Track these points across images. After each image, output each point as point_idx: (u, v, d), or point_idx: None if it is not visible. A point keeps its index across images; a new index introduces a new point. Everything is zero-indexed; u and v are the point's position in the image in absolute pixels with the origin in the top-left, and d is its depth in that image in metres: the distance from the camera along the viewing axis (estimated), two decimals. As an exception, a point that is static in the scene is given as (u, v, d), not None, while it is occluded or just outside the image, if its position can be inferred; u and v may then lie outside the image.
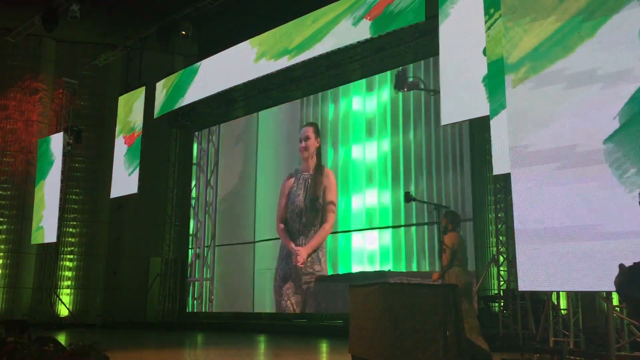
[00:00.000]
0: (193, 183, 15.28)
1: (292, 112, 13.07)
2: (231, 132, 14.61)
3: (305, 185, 12.07)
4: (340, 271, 11.39)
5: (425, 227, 10.27)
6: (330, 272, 11.51)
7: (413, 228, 10.40)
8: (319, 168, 12.06)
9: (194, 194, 15.07)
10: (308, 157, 12.14)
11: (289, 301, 11.82)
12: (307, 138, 12.25)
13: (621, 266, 2.38)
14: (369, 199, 11.26)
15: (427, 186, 10.41)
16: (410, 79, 10.78)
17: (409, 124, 10.92)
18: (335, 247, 11.61)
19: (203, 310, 14.36)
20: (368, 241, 11.18)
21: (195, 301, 14.53)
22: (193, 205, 15.02)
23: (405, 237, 10.55)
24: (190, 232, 15.08)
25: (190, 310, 14.58)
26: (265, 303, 12.65)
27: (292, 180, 12.36)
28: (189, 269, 14.77)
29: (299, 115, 12.87)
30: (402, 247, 10.56)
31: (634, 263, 2.36)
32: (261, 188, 13.41)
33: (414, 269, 10.27)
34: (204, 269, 14.42)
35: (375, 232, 11.06)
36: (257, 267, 13.05)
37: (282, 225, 12.30)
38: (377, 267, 10.80)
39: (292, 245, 11.93)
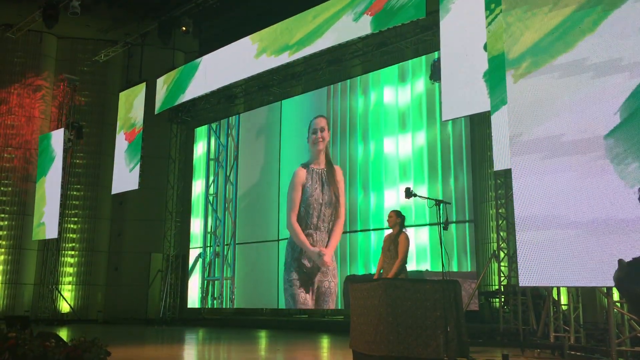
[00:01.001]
0: (195, 179, 15.24)
1: (319, 102, 12.28)
2: (252, 124, 13.92)
3: (320, 180, 11.56)
4: (373, 271, 10.60)
5: (467, 224, 9.70)
6: (361, 272, 10.99)
7: (453, 226, 9.62)
8: (330, 163, 11.63)
9: (212, 190, 14.60)
10: (322, 149, 11.65)
11: (301, 294, 11.57)
12: (322, 129, 11.74)
13: (620, 261, 2.38)
14: (403, 195, 10.62)
15: (457, 182, 9.94)
16: None
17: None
18: (367, 246, 11.05)
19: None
20: None
21: (215, 301, 14.00)
22: (211, 201, 14.56)
23: (445, 235, 9.90)
24: (191, 229, 15.05)
25: (209, 306, 14.24)
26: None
27: (305, 172, 11.79)
28: (207, 268, 14.36)
29: (325, 106, 12.14)
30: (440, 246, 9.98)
31: (634, 258, 2.36)
32: (284, 183, 12.57)
33: (455, 268, 9.57)
34: (224, 267, 13.96)
35: (411, 229, 10.12)
36: (281, 267, 12.30)
37: (295, 219, 11.84)
38: (413, 267, 10.01)
39: (307, 243, 11.44)
